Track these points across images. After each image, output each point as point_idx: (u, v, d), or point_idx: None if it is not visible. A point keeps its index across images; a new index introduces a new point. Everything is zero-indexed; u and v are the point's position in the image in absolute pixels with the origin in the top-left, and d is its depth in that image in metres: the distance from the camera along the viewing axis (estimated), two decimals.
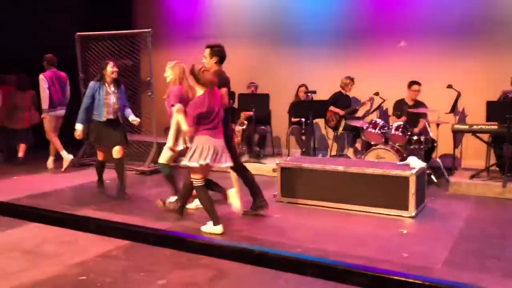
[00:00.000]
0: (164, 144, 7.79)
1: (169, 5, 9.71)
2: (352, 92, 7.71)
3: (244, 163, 5.59)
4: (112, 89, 5.72)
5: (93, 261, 3.67)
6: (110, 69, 5.65)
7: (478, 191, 5.74)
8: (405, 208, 4.78)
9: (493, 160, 6.27)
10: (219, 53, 4.87)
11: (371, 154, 6.32)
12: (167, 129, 5.20)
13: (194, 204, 5.21)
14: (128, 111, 5.98)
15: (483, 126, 5.88)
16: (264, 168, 7.11)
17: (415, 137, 6.47)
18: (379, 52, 7.79)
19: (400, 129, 6.39)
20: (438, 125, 6.63)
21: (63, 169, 7.09)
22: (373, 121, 6.65)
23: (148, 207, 5.34)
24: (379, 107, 7.37)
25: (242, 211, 4.80)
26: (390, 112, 7.36)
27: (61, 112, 7.22)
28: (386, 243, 4.10)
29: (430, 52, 7.41)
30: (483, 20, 7.04)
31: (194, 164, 4.25)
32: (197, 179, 4.39)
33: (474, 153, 6.97)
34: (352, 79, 7.56)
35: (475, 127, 5.95)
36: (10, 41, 8.09)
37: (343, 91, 7.61)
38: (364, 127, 6.69)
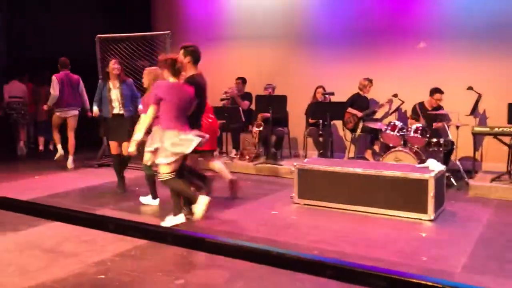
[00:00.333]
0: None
1: (188, 7, 9.78)
2: (371, 94, 7.65)
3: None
4: (117, 84, 6.14)
5: (112, 260, 3.71)
6: (111, 66, 6.11)
7: (499, 195, 5.64)
8: (424, 211, 4.72)
9: None
10: (192, 53, 4.89)
11: (390, 157, 6.26)
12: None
13: (145, 200, 5.42)
14: (139, 101, 6.16)
15: (504, 129, 5.79)
16: (281, 170, 7.11)
17: (434, 140, 6.39)
18: (398, 53, 7.71)
19: (419, 131, 6.32)
20: (458, 127, 6.54)
21: (55, 159, 7.63)
22: (391, 123, 6.59)
23: (166, 207, 5.37)
24: (398, 109, 7.30)
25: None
26: (409, 114, 7.29)
27: (71, 112, 7.54)
28: (404, 246, 4.05)
29: (450, 53, 7.31)
30: (504, 22, 6.92)
31: (170, 159, 4.39)
32: (167, 173, 4.48)
33: (495, 156, 6.86)
34: (370, 81, 7.50)
35: (496, 129, 5.86)
36: (40, 43, 8.39)
37: (361, 92, 7.56)
38: (383, 129, 6.63)
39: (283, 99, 7.31)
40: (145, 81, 5.32)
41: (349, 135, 7.77)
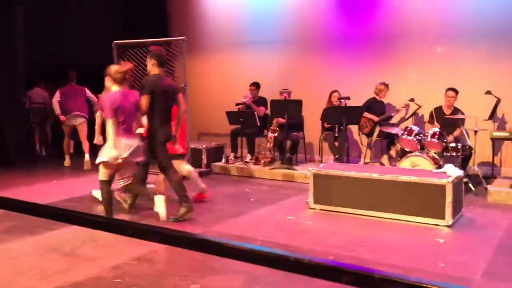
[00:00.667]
0: (198, 149, 7.93)
1: (204, 12, 9.85)
2: (387, 98, 7.60)
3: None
4: None
5: (129, 264, 3.74)
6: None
7: None
8: (442, 216, 4.67)
9: None
10: (156, 56, 5.01)
11: (406, 162, 6.20)
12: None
13: (96, 193, 5.48)
14: None
15: None
16: (297, 175, 7.10)
17: (451, 144, 6.31)
18: (415, 57, 7.65)
19: (436, 136, 6.25)
20: (476, 132, 6.45)
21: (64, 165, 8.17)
22: (408, 128, 6.53)
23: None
24: (415, 113, 7.23)
25: (169, 218, 4.83)
26: (426, 119, 7.22)
27: (77, 120, 8.07)
28: (421, 252, 4.01)
29: (467, 57, 7.23)
30: (509, 24, 6.83)
31: (104, 158, 4.61)
32: (105, 173, 4.69)
33: None
34: (386, 85, 7.45)
35: None
36: (59, 49, 8.59)
37: (377, 97, 7.52)
38: (399, 134, 6.57)
39: (298, 103, 7.30)
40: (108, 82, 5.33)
41: (365, 140, 7.73)
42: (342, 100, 7.39)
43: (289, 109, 7.29)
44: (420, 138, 6.37)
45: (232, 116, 7.84)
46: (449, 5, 7.41)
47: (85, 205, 5.55)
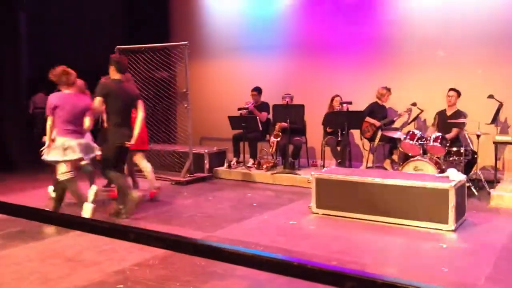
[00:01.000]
0: (200, 154, 7.93)
1: (205, 18, 9.89)
2: (389, 103, 7.60)
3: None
4: None
5: (131, 269, 3.74)
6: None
7: None
8: (445, 221, 4.65)
9: None
10: (115, 63, 5.29)
11: (409, 166, 6.19)
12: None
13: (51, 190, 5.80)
14: None
15: None
16: (299, 179, 7.09)
17: (454, 149, 6.30)
18: (417, 62, 7.65)
19: (439, 141, 6.24)
20: (478, 136, 6.44)
21: None
22: (410, 132, 6.52)
23: (183, 217, 5.40)
24: (417, 118, 7.22)
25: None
26: (429, 123, 7.22)
27: None
28: (425, 257, 3.99)
29: (469, 61, 7.22)
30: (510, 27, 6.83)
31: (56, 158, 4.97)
32: (64, 173, 5.02)
33: None
34: (389, 89, 7.45)
35: None
36: (62, 54, 8.64)
37: (379, 101, 7.52)
38: (401, 138, 6.57)
39: (300, 108, 7.31)
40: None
41: (367, 144, 7.72)
42: (344, 105, 7.38)
43: (291, 114, 7.29)
44: (422, 142, 6.36)
45: (234, 121, 7.85)
46: (450, 9, 7.41)
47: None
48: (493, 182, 6.37)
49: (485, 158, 6.88)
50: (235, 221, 5.14)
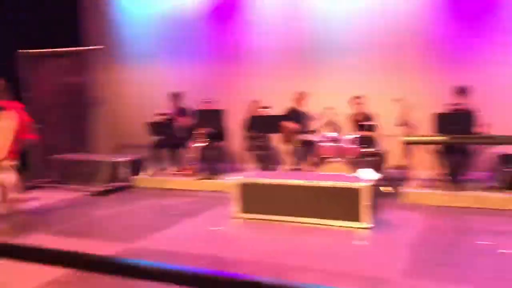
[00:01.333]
0: (118, 163, 7.65)
1: (120, 21, 9.58)
2: (305, 107, 7.84)
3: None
4: None
5: None
6: None
7: (429, 201, 5.94)
8: (360, 219, 4.88)
9: (442, 170, 6.51)
10: None
11: (326, 167, 6.42)
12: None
13: None
14: None
15: (431, 137, 6.10)
16: (222, 185, 7.08)
17: (367, 150, 6.64)
18: (330, 67, 7.98)
19: (353, 142, 6.55)
20: (388, 137, 6.85)
21: None
22: (326, 135, 6.78)
23: (102, 228, 5.17)
24: (332, 121, 7.51)
25: None
26: (342, 125, 7.53)
27: None
28: (344, 255, 4.15)
29: (377, 66, 7.67)
30: (428, 37, 7.37)
31: None
32: None
33: (424, 164, 7.22)
34: (304, 94, 7.69)
35: (424, 138, 6.16)
36: None
37: (296, 106, 7.73)
38: (318, 141, 6.80)
39: (221, 113, 7.31)
40: None
41: (286, 147, 7.90)
42: (263, 109, 7.51)
43: (212, 119, 7.28)
44: (337, 144, 6.64)
45: (153, 127, 7.67)
46: (359, 17, 7.81)
47: None
48: (403, 180, 6.79)
49: (395, 157, 7.31)
50: (157, 230, 5.02)
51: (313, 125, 7.88)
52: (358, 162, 6.55)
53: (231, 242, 4.61)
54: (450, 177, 6.12)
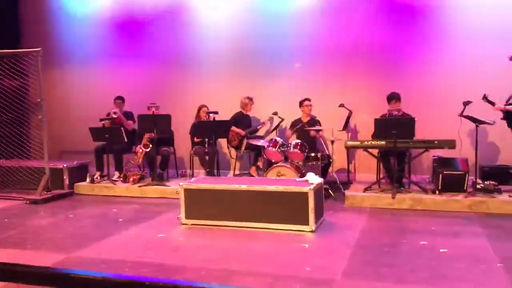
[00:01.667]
0: (58, 169, 7.36)
1: (61, 23, 9.27)
2: (252, 112, 7.90)
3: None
4: None
5: None
6: None
7: (371, 203, 6.13)
8: (306, 223, 4.95)
9: (383, 174, 6.76)
10: None
11: (272, 172, 6.49)
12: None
13: None
14: None
15: (372, 142, 6.31)
16: (168, 190, 6.98)
17: (312, 154, 6.77)
18: (276, 73, 8.09)
19: (298, 147, 6.66)
20: (332, 142, 7.02)
21: None
22: (273, 140, 6.85)
23: (40, 238, 4.95)
24: (278, 126, 7.63)
25: None
26: (288, 130, 7.66)
27: None
28: (289, 258, 4.20)
29: (323, 73, 7.86)
30: (367, 47, 7.63)
31: None
32: None
33: (366, 167, 7.47)
34: (251, 99, 7.75)
35: (365, 143, 6.36)
36: None
37: (243, 111, 7.77)
38: (265, 146, 6.86)
39: (167, 118, 7.22)
40: None
41: (234, 152, 7.92)
42: (211, 115, 7.49)
43: (158, 124, 7.17)
44: (284, 149, 6.73)
45: (96, 132, 7.45)
46: (305, 24, 7.97)
47: None
48: (347, 183, 6.98)
49: (339, 161, 7.51)
50: (99, 238, 4.86)
51: (259, 130, 7.97)
52: (304, 166, 6.67)
53: (175, 249, 4.54)
54: (391, 180, 6.34)
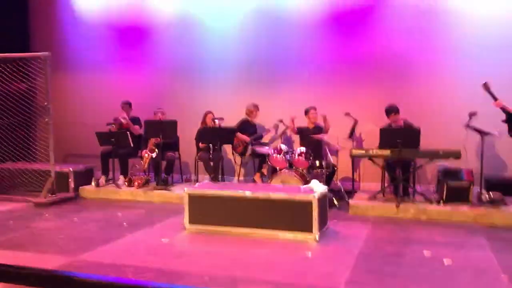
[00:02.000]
0: (64, 173, 7.40)
1: (70, 27, 9.35)
2: (258, 119, 7.92)
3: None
4: None
5: None
6: None
7: (375, 212, 6.11)
8: (309, 230, 4.94)
9: (388, 183, 6.74)
10: None
11: (277, 179, 6.49)
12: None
13: None
14: None
15: (377, 151, 6.31)
16: (172, 196, 6.99)
17: (317, 162, 6.77)
18: (282, 81, 8.11)
19: (303, 154, 6.66)
20: (337, 150, 7.02)
21: None
22: (278, 147, 6.87)
23: (44, 241, 4.98)
24: (283, 133, 7.63)
25: None
26: (294, 138, 7.68)
27: None
28: (292, 266, 4.19)
29: (329, 82, 7.87)
30: (373, 57, 7.65)
31: None
32: None
33: (371, 176, 7.46)
34: (257, 106, 7.78)
35: (370, 152, 6.35)
36: None
37: (249, 118, 7.79)
38: (270, 153, 6.87)
39: (173, 123, 7.25)
40: None
41: (238, 159, 7.93)
42: (217, 121, 7.52)
43: (164, 129, 7.20)
44: (288, 156, 6.74)
45: (102, 137, 7.49)
46: (315, 34, 8.00)
47: None
48: (351, 192, 6.97)
49: (344, 170, 7.50)
50: (103, 242, 4.88)
51: (265, 137, 7.98)
52: (308, 173, 6.67)
53: (179, 254, 4.55)
54: (395, 190, 6.33)
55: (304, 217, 4.96)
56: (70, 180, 7.49)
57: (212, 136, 7.25)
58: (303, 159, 6.64)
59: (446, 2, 7.29)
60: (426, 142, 6.36)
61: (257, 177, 7.71)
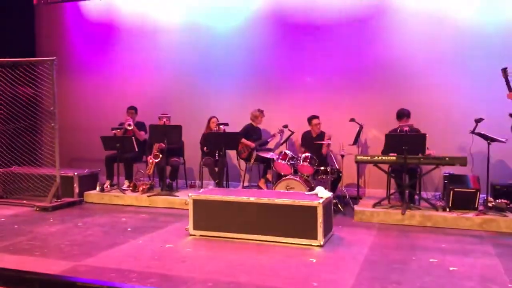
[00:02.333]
0: (68, 177, 7.42)
1: (76, 32, 9.41)
2: (262, 125, 7.91)
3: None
4: None
5: None
6: None
7: (381, 219, 6.08)
8: (314, 237, 4.92)
9: (393, 189, 6.70)
10: None
11: (281, 185, 6.47)
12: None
13: None
14: None
15: (383, 157, 6.28)
16: (177, 201, 6.99)
17: (322, 168, 6.75)
18: (287, 86, 8.11)
19: (308, 160, 6.64)
20: (342, 156, 7.00)
21: None
22: (282, 153, 6.85)
23: (48, 246, 4.98)
24: (288, 139, 7.62)
25: None
26: (298, 144, 7.66)
27: None
28: (296, 272, 4.16)
29: (333, 88, 7.86)
30: (379, 63, 7.64)
31: None
32: None
33: (377, 182, 7.43)
34: (262, 112, 7.77)
35: (376, 158, 6.32)
36: None
37: (253, 123, 7.79)
38: (275, 159, 6.86)
39: (178, 128, 7.26)
40: None
41: (243, 164, 7.92)
42: (221, 126, 7.53)
43: (169, 134, 7.21)
44: (293, 162, 6.72)
45: (107, 141, 7.51)
46: (319, 41, 8.00)
47: None
48: (357, 198, 6.93)
49: (349, 176, 7.47)
50: (107, 247, 4.87)
51: (270, 143, 7.97)
52: (313, 179, 6.64)
53: (183, 260, 4.53)
54: (401, 196, 6.29)
55: (309, 224, 4.93)
56: (75, 185, 7.50)
57: (217, 141, 7.25)
58: (308, 165, 6.62)
59: (450, 9, 7.28)
60: (432, 148, 6.32)
61: (261, 183, 7.69)
